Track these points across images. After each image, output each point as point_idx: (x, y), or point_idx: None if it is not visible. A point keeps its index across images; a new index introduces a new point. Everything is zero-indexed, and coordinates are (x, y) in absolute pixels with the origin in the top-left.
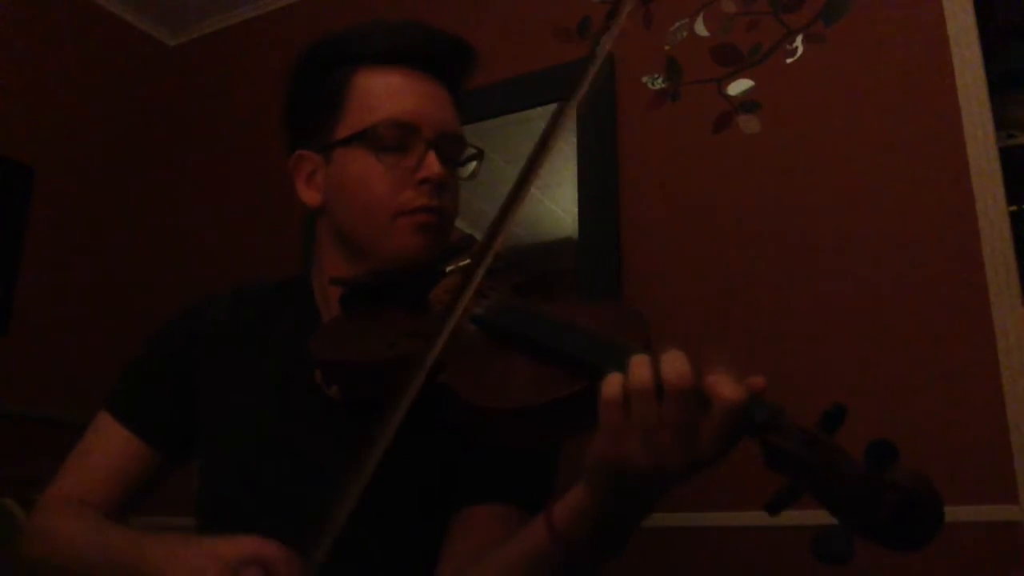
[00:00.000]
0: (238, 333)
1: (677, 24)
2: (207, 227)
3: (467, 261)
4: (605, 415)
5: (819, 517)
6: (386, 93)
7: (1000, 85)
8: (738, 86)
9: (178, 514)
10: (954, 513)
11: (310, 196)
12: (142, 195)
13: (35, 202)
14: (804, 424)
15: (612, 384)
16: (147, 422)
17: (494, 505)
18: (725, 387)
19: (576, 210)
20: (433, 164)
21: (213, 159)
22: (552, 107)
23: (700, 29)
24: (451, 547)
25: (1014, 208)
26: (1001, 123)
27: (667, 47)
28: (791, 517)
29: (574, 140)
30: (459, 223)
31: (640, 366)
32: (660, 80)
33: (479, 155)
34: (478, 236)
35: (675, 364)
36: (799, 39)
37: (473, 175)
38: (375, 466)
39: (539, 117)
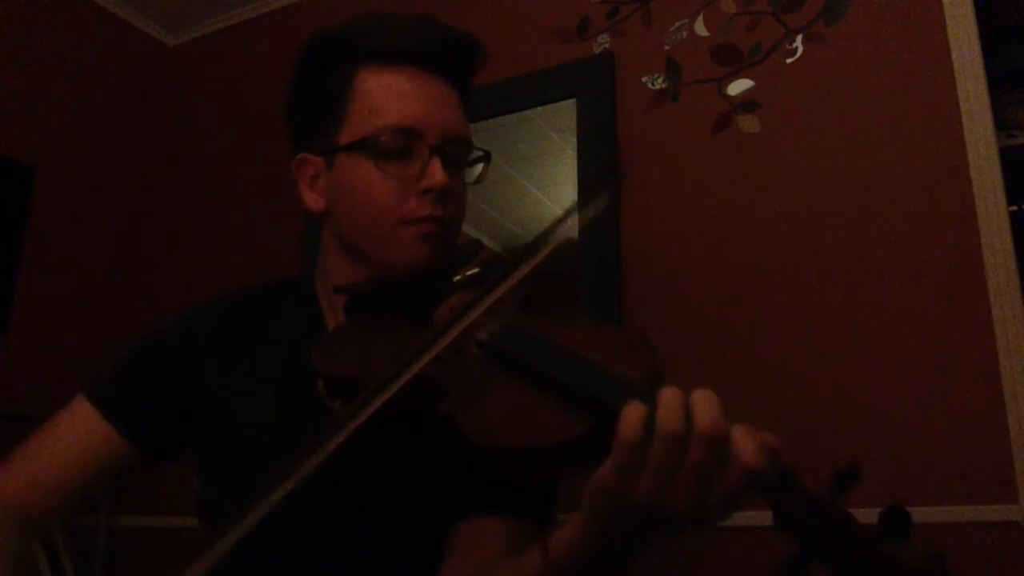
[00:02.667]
0: (236, 339)
1: (677, 24)
2: (207, 227)
3: (475, 270)
4: (620, 448)
5: None
6: (389, 96)
7: (1000, 85)
8: (738, 86)
9: (178, 514)
10: (954, 513)
11: (313, 200)
12: (142, 195)
13: (35, 202)
14: (819, 465)
15: (633, 416)
16: (126, 415)
17: (495, 519)
18: (747, 450)
19: None
20: (437, 173)
21: (213, 159)
22: (550, 107)
23: (700, 29)
24: (451, 561)
25: (1014, 208)
26: (1001, 123)
27: (667, 47)
28: None
29: (574, 140)
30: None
31: (671, 402)
32: (660, 80)
33: (486, 158)
34: (477, 236)
35: (709, 410)
36: (799, 39)
37: (479, 179)
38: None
39: (538, 117)
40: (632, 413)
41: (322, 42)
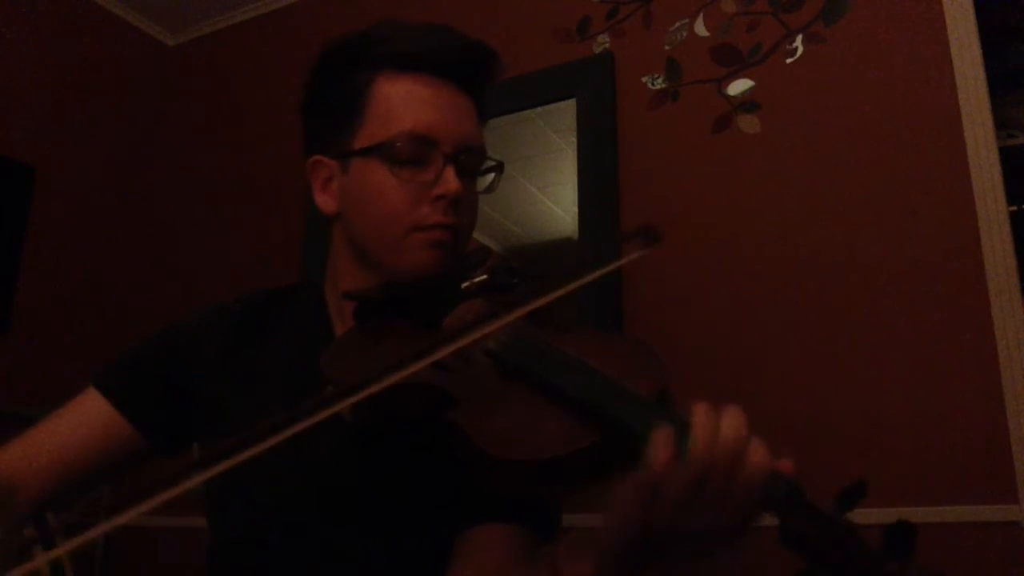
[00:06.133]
0: (248, 344)
1: (677, 24)
2: (206, 227)
3: (483, 277)
4: (649, 480)
5: None
6: (406, 103)
7: (1000, 85)
8: (738, 86)
9: (178, 515)
10: (954, 513)
11: (326, 203)
12: (142, 195)
13: (35, 202)
14: (818, 478)
15: (664, 451)
16: (133, 401)
17: (500, 525)
18: (756, 455)
19: (576, 210)
20: (450, 181)
21: (213, 159)
22: (550, 107)
23: (700, 29)
24: (456, 568)
25: (1014, 208)
26: (1001, 123)
27: (667, 47)
28: None
29: (574, 140)
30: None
31: (707, 434)
32: (660, 80)
33: (498, 167)
34: (476, 237)
35: (737, 430)
36: (799, 39)
37: (490, 188)
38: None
39: (539, 117)
40: (662, 447)
41: (340, 47)
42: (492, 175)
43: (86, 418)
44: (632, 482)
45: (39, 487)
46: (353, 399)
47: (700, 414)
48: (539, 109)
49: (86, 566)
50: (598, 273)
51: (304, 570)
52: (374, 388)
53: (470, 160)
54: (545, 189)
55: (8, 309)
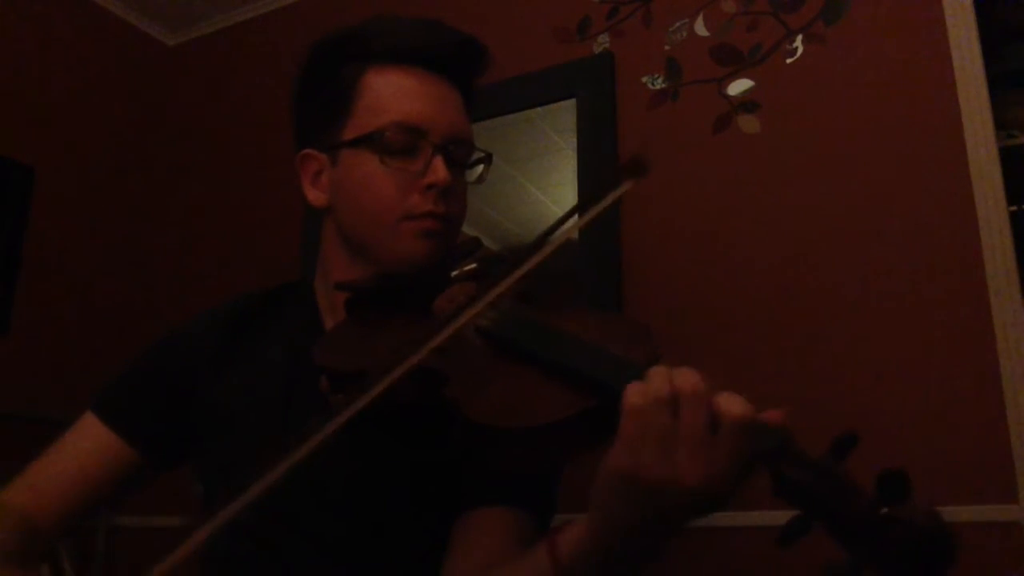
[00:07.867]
0: (240, 345)
1: (677, 24)
2: (206, 227)
3: (473, 266)
4: (624, 424)
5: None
6: (395, 95)
7: (1000, 85)
8: (738, 86)
9: (178, 514)
10: (954, 513)
11: (315, 196)
12: (142, 195)
13: (35, 202)
14: (815, 452)
15: (634, 392)
16: (132, 425)
17: (497, 508)
18: (732, 405)
19: None
20: (439, 170)
21: (213, 159)
22: (550, 107)
23: (700, 29)
24: (454, 553)
25: (1014, 208)
26: (1001, 123)
27: (667, 47)
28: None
29: (574, 140)
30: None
31: (659, 375)
32: (660, 80)
33: (487, 159)
34: (476, 236)
35: (688, 375)
36: (799, 39)
37: (480, 179)
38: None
39: (539, 117)
40: (634, 389)
41: (331, 41)
42: (481, 167)
43: (86, 445)
44: (620, 429)
45: (50, 523)
46: (362, 404)
47: (655, 367)
48: (539, 109)
49: (86, 566)
50: (585, 218)
51: (300, 564)
52: (380, 388)
53: (459, 151)
54: (545, 189)
55: (8, 309)
